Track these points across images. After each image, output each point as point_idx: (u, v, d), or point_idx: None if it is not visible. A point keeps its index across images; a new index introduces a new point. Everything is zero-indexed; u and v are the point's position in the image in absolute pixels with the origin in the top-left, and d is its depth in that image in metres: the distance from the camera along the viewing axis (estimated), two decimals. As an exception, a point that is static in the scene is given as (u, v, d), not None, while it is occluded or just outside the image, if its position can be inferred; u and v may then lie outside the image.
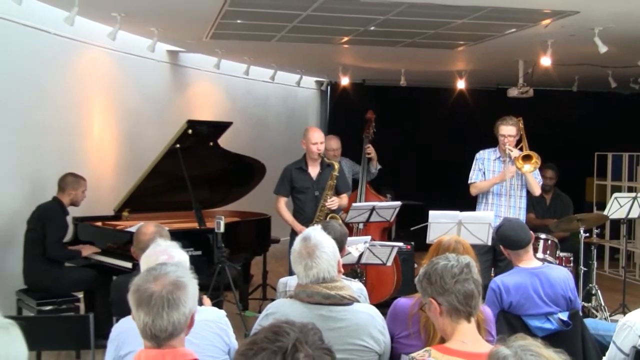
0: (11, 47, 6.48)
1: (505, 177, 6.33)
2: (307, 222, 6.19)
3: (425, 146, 11.70)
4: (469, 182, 6.54)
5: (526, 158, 6.27)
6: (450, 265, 2.68)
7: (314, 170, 6.55)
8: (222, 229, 6.08)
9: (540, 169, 7.65)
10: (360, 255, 5.43)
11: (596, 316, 6.68)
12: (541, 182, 6.61)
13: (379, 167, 7.85)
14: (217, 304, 5.83)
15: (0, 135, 6.36)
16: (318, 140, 6.45)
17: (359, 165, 7.81)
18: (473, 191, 6.54)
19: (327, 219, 6.04)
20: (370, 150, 7.73)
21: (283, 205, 6.64)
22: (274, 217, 7.36)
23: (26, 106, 6.75)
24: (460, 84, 10.66)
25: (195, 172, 6.87)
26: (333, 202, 6.43)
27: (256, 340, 1.72)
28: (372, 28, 7.21)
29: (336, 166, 6.49)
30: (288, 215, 6.60)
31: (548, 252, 6.57)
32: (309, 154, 6.52)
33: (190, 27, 7.53)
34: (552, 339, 4.02)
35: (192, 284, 2.39)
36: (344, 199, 6.63)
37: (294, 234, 6.31)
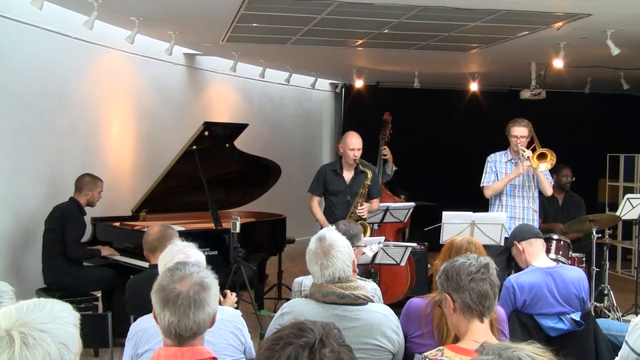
0: (32, 51, 6.58)
1: (520, 172, 6.24)
2: None
3: (438, 147, 11.69)
4: (482, 185, 6.49)
5: (541, 156, 6.20)
6: (468, 263, 2.72)
7: (348, 175, 6.57)
8: (238, 230, 6.12)
9: (559, 168, 7.62)
10: (374, 256, 5.48)
11: (608, 316, 6.69)
12: (552, 183, 6.53)
13: (394, 168, 7.87)
14: (233, 303, 5.89)
15: (21, 136, 6.45)
16: (356, 146, 6.45)
17: (374, 167, 7.79)
18: (488, 193, 6.47)
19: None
20: (386, 151, 7.75)
21: (316, 204, 6.66)
22: (289, 218, 7.43)
23: (46, 108, 6.86)
24: (474, 86, 10.67)
25: (212, 173, 6.94)
26: (363, 209, 6.44)
27: (281, 336, 1.73)
28: (386, 31, 7.25)
29: (369, 175, 6.49)
30: (320, 214, 6.61)
31: (561, 252, 6.55)
32: (345, 159, 6.53)
33: (207, 30, 7.60)
34: (565, 339, 4.10)
35: (214, 284, 2.41)
36: (375, 203, 6.62)
37: (321, 233, 6.31)
